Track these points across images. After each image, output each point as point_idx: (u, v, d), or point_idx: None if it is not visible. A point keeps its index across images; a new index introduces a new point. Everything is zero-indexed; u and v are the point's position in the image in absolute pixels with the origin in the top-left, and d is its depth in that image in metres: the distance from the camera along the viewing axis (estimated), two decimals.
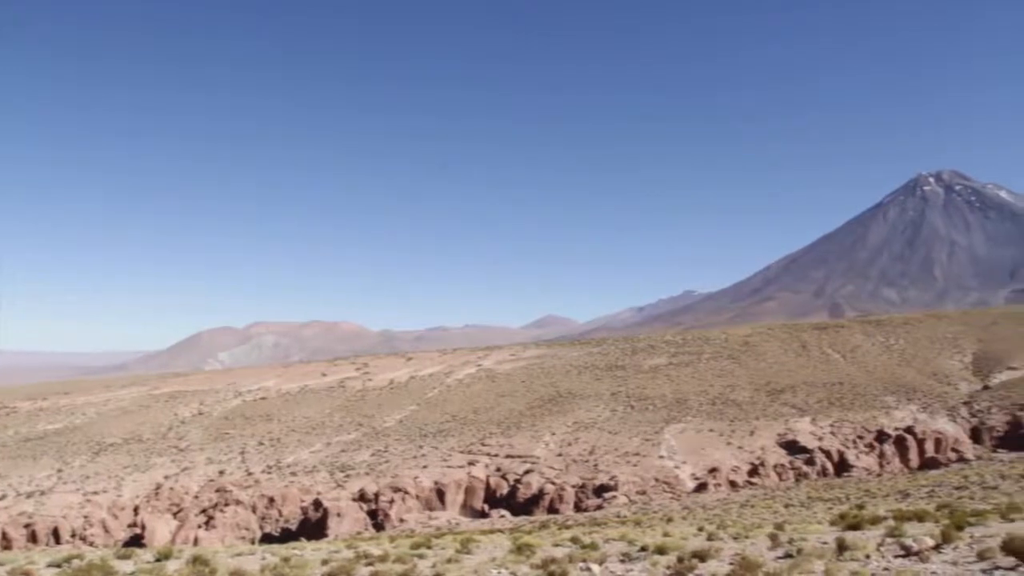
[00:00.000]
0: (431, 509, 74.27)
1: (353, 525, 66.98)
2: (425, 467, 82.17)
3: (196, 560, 21.67)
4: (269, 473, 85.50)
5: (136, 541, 61.92)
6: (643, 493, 73.47)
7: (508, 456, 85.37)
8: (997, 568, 12.36)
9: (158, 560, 23.36)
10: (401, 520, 69.61)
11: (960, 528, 17.76)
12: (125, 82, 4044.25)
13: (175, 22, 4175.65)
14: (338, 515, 66.93)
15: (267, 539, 65.11)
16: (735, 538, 22.81)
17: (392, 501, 71.41)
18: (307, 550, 27.89)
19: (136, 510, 72.67)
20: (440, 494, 75.57)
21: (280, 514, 73.52)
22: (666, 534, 26.00)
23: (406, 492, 73.54)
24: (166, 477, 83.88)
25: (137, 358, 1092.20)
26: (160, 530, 65.09)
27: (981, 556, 13.44)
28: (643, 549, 20.22)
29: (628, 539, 24.03)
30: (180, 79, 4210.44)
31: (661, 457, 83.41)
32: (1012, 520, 20.10)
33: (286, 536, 64.76)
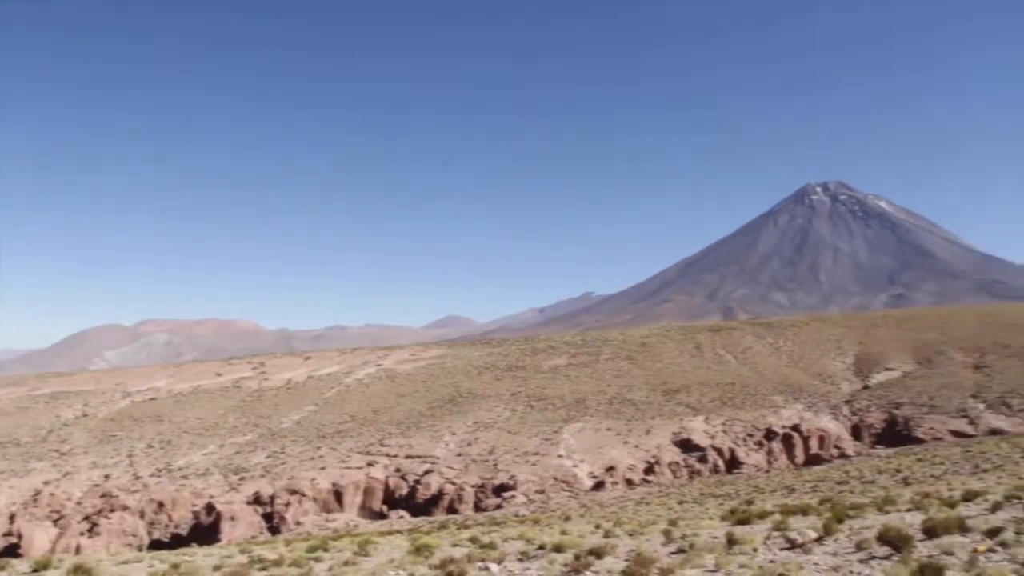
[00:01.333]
0: (329, 511, 73.05)
1: (248, 529, 65.25)
2: (323, 468, 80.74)
3: (77, 569, 20.72)
4: (159, 477, 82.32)
5: (12, 551, 58.62)
6: (542, 492, 74.17)
7: (408, 456, 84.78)
8: (873, 557, 13.04)
9: (35, 571, 22.25)
10: (298, 523, 68.22)
11: (840, 521, 18.63)
12: None
13: None
14: (232, 519, 65.10)
15: (156, 546, 62.75)
16: (631, 535, 23.31)
17: (288, 504, 69.91)
18: (198, 556, 27.03)
19: (12, 518, 68.74)
20: (338, 496, 74.42)
21: (170, 519, 70.87)
22: (564, 532, 26.34)
23: (303, 494, 72.12)
24: (46, 483, 79.61)
25: (14, 357, 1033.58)
26: (38, 539, 61.89)
27: (859, 546, 14.17)
28: (541, 547, 20.42)
29: (527, 538, 24.23)
30: (52, 73, 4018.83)
31: (560, 456, 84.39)
32: (887, 512, 21.20)
33: (177, 542, 62.53)
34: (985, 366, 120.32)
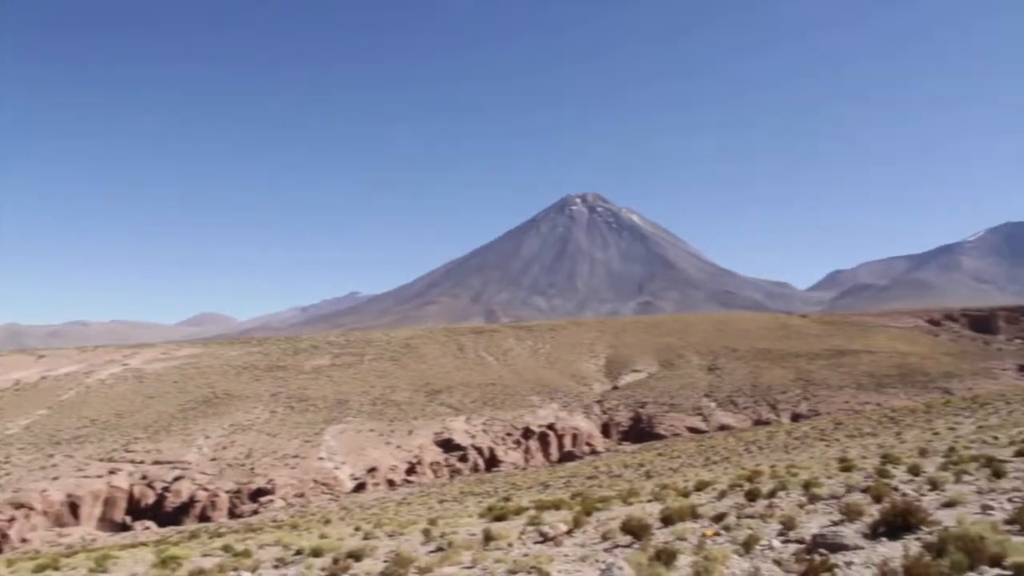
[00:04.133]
0: (62, 525, 66.65)
1: None
2: (56, 479, 73.52)
3: None
4: None
5: None
6: (302, 496, 72.31)
7: (156, 463, 79.31)
8: (617, 546, 13.99)
9: None
10: (24, 540, 61.66)
11: (589, 513, 19.80)
12: None
13: None
14: None
15: None
16: (391, 536, 23.33)
17: (13, 519, 63.00)
18: None
19: None
20: (73, 508, 68.12)
21: None
22: (323, 536, 25.85)
23: (31, 508, 65.30)
24: None
25: None
26: None
27: (604, 537, 15.16)
28: (299, 553, 19.94)
29: (284, 543, 23.55)
30: None
31: (321, 458, 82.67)
32: (631, 504, 22.79)
33: None
34: (717, 368, 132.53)
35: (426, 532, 21.54)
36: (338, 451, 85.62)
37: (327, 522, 44.45)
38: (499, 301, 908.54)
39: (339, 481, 77.62)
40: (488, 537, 17.46)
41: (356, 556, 17.41)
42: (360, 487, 75.84)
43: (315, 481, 76.07)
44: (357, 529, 28.73)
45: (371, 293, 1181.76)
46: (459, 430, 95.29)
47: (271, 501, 69.58)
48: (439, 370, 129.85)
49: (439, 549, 17.63)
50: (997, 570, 8.46)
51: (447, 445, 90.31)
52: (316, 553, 19.05)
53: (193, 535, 51.22)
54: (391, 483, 77.72)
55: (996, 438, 31.02)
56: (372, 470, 78.89)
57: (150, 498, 71.48)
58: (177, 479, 74.19)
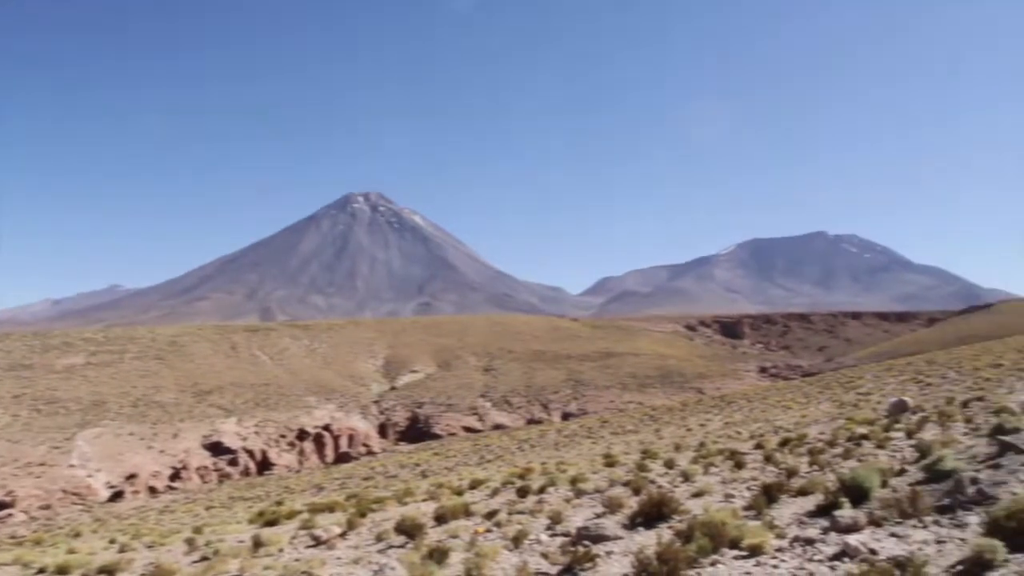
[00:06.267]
0: None
1: None
2: None
3: None
4: None
5: None
6: (48, 508, 66.07)
7: None
8: (391, 547, 13.98)
9: None
10: None
11: (364, 515, 19.62)
12: None
13: None
14: None
15: None
16: (150, 547, 21.90)
17: None
18: None
19: None
20: None
21: None
22: (71, 551, 23.76)
23: None
24: None
25: None
26: None
27: (379, 538, 15.09)
28: (42, 571, 18.20)
29: (23, 562, 21.38)
30: None
31: (72, 466, 75.92)
32: (406, 504, 22.85)
33: None
34: (493, 369, 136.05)
35: (190, 541, 20.39)
36: (93, 457, 79.01)
37: (77, 535, 40.92)
38: (276, 299, 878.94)
39: (93, 490, 71.66)
40: (257, 543, 16.85)
41: (109, 571, 16.17)
42: (117, 496, 70.46)
43: (64, 491, 69.75)
44: (112, 542, 26.66)
45: (135, 287, 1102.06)
46: (229, 432, 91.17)
47: (10, 515, 62.99)
48: (209, 369, 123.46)
49: (204, 558, 16.77)
50: (736, 551, 9.34)
51: (216, 448, 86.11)
52: (62, 570, 17.48)
53: None
54: (153, 490, 72.88)
55: (739, 433, 34.17)
56: (132, 477, 73.59)
57: None
58: None
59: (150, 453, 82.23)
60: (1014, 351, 53.23)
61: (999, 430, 12.33)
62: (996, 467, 9.60)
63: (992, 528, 7.61)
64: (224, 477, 79.13)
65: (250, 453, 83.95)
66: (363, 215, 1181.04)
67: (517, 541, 12.08)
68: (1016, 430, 11.47)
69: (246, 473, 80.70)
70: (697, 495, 14.16)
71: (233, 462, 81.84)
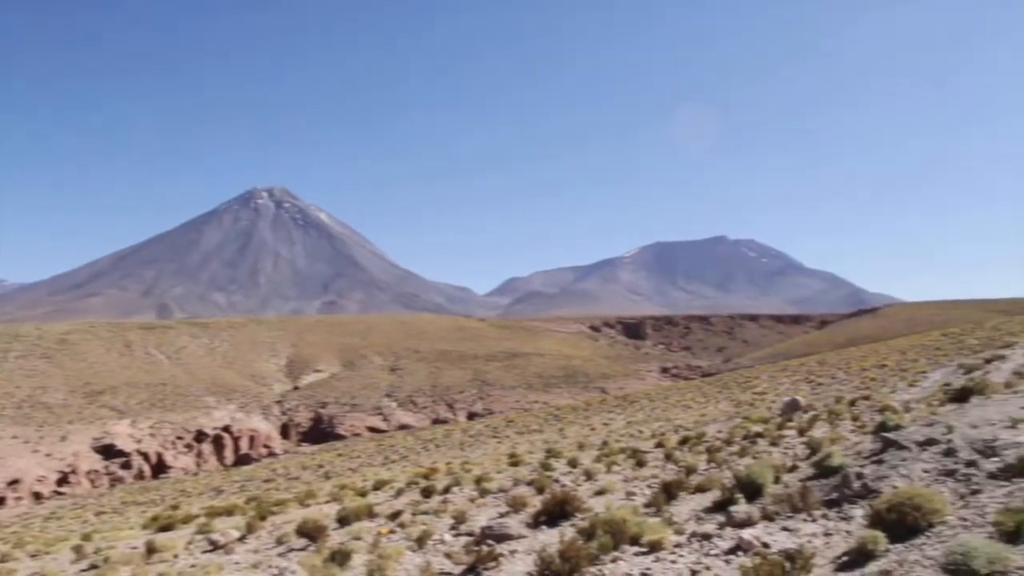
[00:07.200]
0: None
1: None
2: None
3: None
4: None
5: None
6: None
7: None
8: (292, 550, 13.73)
9: None
10: None
11: (264, 518, 19.19)
12: None
13: None
14: None
15: None
16: (34, 556, 20.88)
17: None
18: None
19: None
20: None
21: None
22: None
23: None
24: None
25: None
26: None
27: (279, 541, 14.79)
28: None
29: None
30: None
31: None
32: (308, 506, 22.48)
33: None
34: (398, 369, 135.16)
35: (78, 549, 19.52)
36: None
37: None
38: (174, 296, 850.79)
39: None
40: (151, 549, 16.28)
41: None
42: None
43: None
44: None
45: (20, 281, 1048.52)
46: (123, 434, 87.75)
47: None
48: (101, 369, 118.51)
49: (93, 567, 16.11)
50: (636, 548, 9.57)
51: (108, 451, 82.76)
52: None
53: None
54: (38, 496, 69.59)
55: (641, 432, 34.95)
56: (14, 482, 70.01)
57: None
58: None
59: (35, 457, 78.33)
60: (897, 353, 56.07)
61: (883, 427, 12.99)
62: (879, 462, 10.10)
63: (875, 520, 8.02)
64: (116, 481, 76.16)
65: (144, 456, 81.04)
66: (267, 211, 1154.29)
67: (421, 541, 12.05)
68: (898, 427, 12.10)
69: (140, 476, 77.88)
70: (600, 493, 14.41)
71: (126, 465, 78.85)
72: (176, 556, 15.65)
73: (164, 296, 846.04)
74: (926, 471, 9.39)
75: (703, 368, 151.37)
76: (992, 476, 8.70)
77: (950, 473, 9.13)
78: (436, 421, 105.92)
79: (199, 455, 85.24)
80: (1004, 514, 7.10)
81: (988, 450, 9.41)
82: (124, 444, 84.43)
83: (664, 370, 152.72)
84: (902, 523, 7.75)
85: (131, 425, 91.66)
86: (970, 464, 9.16)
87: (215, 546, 15.86)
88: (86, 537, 24.20)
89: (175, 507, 38.23)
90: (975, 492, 8.40)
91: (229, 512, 24.42)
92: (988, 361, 29.75)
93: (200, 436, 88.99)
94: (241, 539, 16.36)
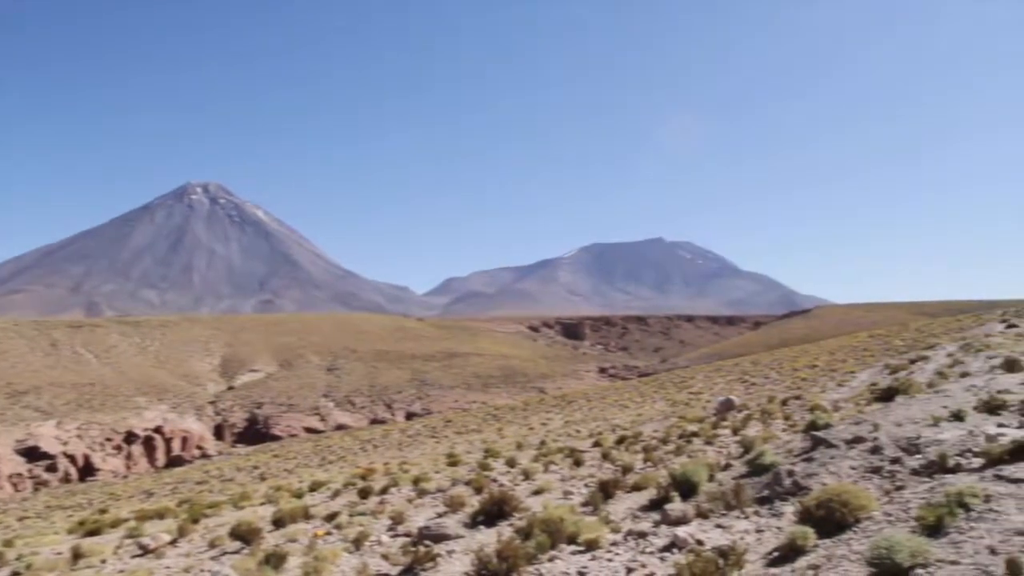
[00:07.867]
0: None
1: None
2: None
3: None
4: None
5: None
6: None
7: None
8: (225, 553, 13.49)
9: None
10: None
11: (196, 521, 18.81)
12: None
13: None
14: None
15: None
16: None
17: None
18: None
19: None
20: None
21: None
22: None
23: None
24: None
25: None
26: None
27: (212, 544, 14.51)
28: None
29: None
30: None
31: None
32: (242, 508, 22.11)
33: None
34: (336, 368, 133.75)
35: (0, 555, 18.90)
36: None
37: None
38: (103, 293, 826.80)
39: None
40: (77, 555, 15.82)
41: None
42: None
43: None
44: None
45: None
46: (48, 436, 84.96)
47: None
48: (25, 368, 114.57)
49: (15, 574, 15.58)
50: (573, 546, 9.66)
51: (32, 454, 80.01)
52: None
53: None
54: None
55: (579, 431, 35.21)
56: None
57: None
58: None
59: None
60: (827, 353, 57.59)
61: (813, 426, 13.38)
62: (809, 460, 10.38)
63: (804, 516, 8.24)
64: (41, 485, 73.71)
65: (71, 458, 78.60)
66: (202, 207, 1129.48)
67: (358, 543, 11.98)
68: (827, 426, 12.47)
69: (67, 480, 75.52)
70: (537, 492, 14.50)
71: (51, 468, 76.37)
72: (104, 561, 15.23)
73: (93, 293, 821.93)
74: (853, 468, 9.70)
75: (640, 368, 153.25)
76: (915, 472, 9.02)
77: (876, 470, 9.44)
78: (374, 421, 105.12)
79: (129, 457, 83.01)
80: (926, 509, 7.37)
81: (912, 447, 9.76)
82: (49, 446, 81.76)
83: (602, 370, 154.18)
84: (830, 519, 7.98)
85: (57, 426, 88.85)
86: (895, 461, 9.48)
87: (145, 550, 15.49)
88: (8, 543, 23.39)
89: (103, 511, 37.20)
90: (899, 488, 8.70)
91: (160, 515, 23.88)
92: (912, 362, 30.80)
93: (130, 437, 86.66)
94: (173, 543, 16.02)
